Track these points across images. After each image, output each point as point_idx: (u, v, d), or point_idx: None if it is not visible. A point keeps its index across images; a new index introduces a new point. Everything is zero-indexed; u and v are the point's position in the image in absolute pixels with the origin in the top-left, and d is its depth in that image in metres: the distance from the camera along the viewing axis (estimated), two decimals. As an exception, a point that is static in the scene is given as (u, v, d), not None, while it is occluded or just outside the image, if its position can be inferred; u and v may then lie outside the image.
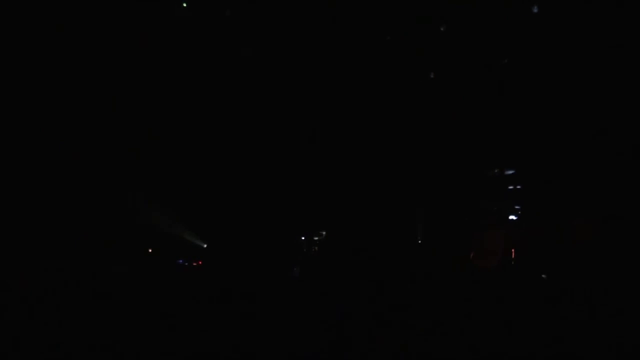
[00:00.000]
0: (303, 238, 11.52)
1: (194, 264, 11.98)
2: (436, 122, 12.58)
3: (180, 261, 11.81)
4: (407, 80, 12.47)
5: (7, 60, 11.83)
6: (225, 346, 6.16)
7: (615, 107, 11.19)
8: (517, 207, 10.33)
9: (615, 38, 10.89)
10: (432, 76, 12.59)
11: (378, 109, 12.66)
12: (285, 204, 13.12)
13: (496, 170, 10.05)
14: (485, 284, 8.77)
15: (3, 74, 11.51)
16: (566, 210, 9.80)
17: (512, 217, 10.13)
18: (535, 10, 11.48)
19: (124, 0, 11.82)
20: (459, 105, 12.39)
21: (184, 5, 12.35)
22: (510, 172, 10.32)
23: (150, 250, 12.04)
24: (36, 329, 6.33)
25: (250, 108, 13.28)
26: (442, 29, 12.21)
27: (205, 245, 13.79)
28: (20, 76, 11.75)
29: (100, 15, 12.15)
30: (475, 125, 11.82)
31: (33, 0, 11.39)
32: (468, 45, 11.91)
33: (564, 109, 11.81)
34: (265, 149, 13.24)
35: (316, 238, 11.46)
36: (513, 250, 9.21)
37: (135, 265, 11.45)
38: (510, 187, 10.17)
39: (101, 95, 12.51)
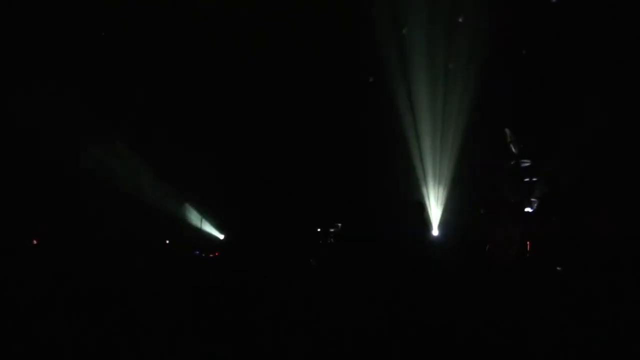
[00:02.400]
0: (319, 230, 11.56)
1: (211, 255, 12.08)
2: (452, 114, 12.55)
3: (197, 252, 11.91)
4: (422, 72, 12.43)
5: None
6: (240, 338, 6.20)
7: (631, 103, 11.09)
8: (533, 199, 10.27)
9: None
10: (450, 67, 12.54)
11: (391, 101, 12.66)
12: (302, 196, 13.18)
13: (512, 162, 9.99)
14: (501, 277, 8.74)
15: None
16: (582, 203, 9.73)
17: (528, 209, 10.07)
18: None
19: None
20: (474, 97, 12.34)
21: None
22: (527, 164, 10.25)
23: (167, 242, 12.18)
24: (56, 322, 6.43)
25: (270, 104, 13.35)
26: (460, 20, 12.15)
27: (222, 237, 13.90)
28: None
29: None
30: (491, 118, 11.77)
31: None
32: (486, 36, 11.84)
33: (582, 101, 11.71)
34: (283, 144, 13.30)
35: (332, 230, 11.49)
36: (529, 242, 9.15)
37: (153, 256, 11.57)
38: (527, 180, 10.10)
39: (124, 93, 12.70)
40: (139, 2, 12.33)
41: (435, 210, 12.88)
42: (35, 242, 11.85)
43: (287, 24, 12.61)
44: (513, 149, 10.17)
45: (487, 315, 6.83)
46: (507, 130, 10.28)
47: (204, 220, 13.43)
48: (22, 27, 11.80)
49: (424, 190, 12.98)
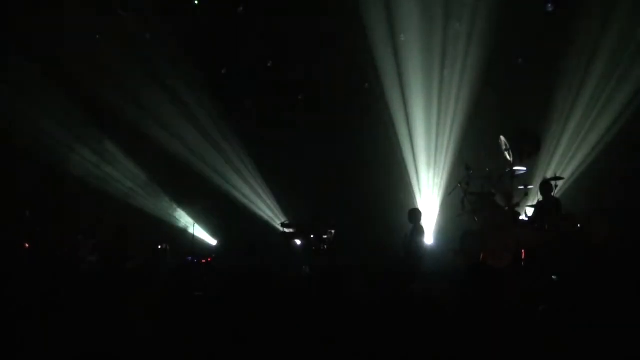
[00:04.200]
0: (312, 236, 11.46)
1: (203, 261, 11.97)
2: (447, 121, 12.53)
3: (189, 258, 11.81)
4: (417, 78, 12.42)
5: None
6: (232, 344, 6.12)
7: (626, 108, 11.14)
8: (527, 207, 10.24)
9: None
10: (445, 73, 12.55)
11: (386, 107, 12.65)
12: (297, 202, 13.14)
13: (507, 170, 9.94)
14: (495, 284, 8.67)
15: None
16: (579, 210, 9.71)
17: (522, 217, 10.03)
18: (550, 8, 11.40)
19: None
20: (469, 105, 12.34)
21: (196, 2, 12.43)
22: (522, 171, 10.21)
23: (160, 247, 12.07)
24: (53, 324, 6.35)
25: (266, 108, 13.34)
26: (456, 27, 12.15)
27: (215, 243, 13.82)
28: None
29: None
30: (487, 125, 11.77)
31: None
32: (482, 43, 11.86)
33: (577, 107, 11.73)
34: (278, 149, 13.28)
35: (325, 236, 11.39)
36: (523, 250, 9.11)
37: (146, 261, 11.48)
38: (521, 187, 10.06)
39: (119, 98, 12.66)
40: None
41: (430, 218, 12.84)
42: (27, 245, 11.74)
43: (285, 30, 12.63)
44: (508, 157, 10.13)
45: (481, 321, 6.77)
46: (502, 138, 10.25)
47: (196, 225, 13.37)
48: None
49: (419, 198, 12.96)
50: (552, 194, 9.90)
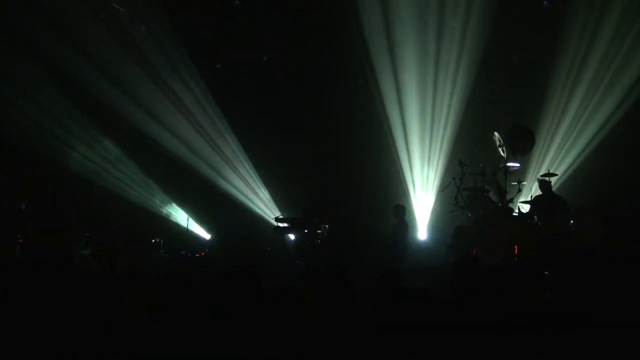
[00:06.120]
0: (306, 231, 11.47)
1: (197, 255, 11.97)
2: (441, 117, 12.54)
3: (183, 252, 11.81)
4: (414, 75, 12.42)
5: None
6: (225, 339, 6.10)
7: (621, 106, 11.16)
8: (521, 203, 10.25)
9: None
10: (439, 70, 12.55)
11: (381, 103, 12.65)
12: (291, 197, 13.15)
13: (501, 166, 9.95)
14: (488, 280, 8.68)
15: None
16: (573, 205, 9.73)
17: (515, 213, 10.05)
18: (546, 5, 11.42)
19: None
20: (463, 101, 12.34)
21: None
22: (516, 167, 10.23)
23: (154, 241, 12.05)
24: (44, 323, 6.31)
25: (260, 105, 13.34)
26: (455, 24, 12.16)
27: (208, 237, 13.81)
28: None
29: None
30: (481, 121, 11.79)
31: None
32: (477, 40, 11.87)
33: (571, 103, 11.75)
34: (273, 145, 13.29)
35: (319, 231, 11.40)
36: (516, 247, 9.12)
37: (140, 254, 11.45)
38: (514, 183, 10.07)
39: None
40: None
41: (423, 214, 12.87)
42: (20, 240, 11.68)
43: (282, 27, 12.63)
44: (502, 153, 10.14)
45: (473, 317, 6.77)
46: (496, 134, 10.26)
47: (190, 219, 13.36)
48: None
49: (413, 194, 12.98)
50: (546, 190, 9.94)
